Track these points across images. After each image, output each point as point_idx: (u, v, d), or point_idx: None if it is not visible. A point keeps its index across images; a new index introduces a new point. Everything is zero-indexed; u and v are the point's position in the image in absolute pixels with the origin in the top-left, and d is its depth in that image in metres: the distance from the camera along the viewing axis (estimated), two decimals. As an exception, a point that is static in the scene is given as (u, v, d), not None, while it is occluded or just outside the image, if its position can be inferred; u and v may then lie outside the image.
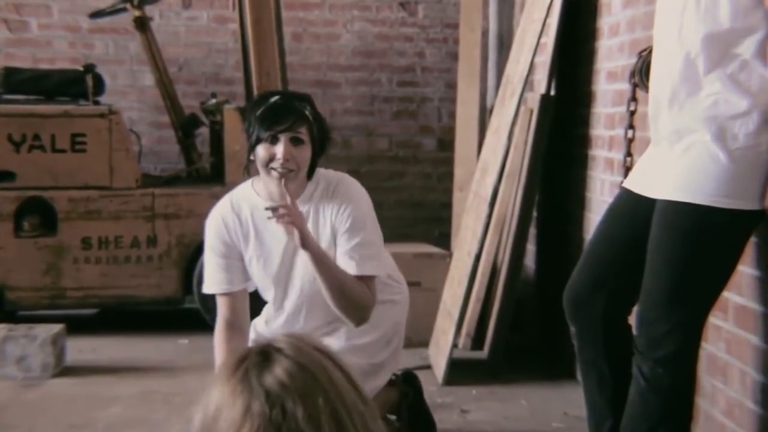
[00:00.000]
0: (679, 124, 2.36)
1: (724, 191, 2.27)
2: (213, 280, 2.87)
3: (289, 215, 2.64)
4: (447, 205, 5.51)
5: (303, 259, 2.77)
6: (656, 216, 2.35)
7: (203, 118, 5.35)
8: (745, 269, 2.53)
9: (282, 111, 2.69)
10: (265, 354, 1.16)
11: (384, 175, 6.45)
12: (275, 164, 2.69)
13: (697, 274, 2.30)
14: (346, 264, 2.76)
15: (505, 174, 4.51)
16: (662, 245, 2.33)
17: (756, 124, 2.28)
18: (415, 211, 6.44)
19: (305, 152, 2.72)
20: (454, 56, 5.82)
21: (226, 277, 2.85)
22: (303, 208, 2.78)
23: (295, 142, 2.70)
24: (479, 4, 5.08)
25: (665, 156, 2.40)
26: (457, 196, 5.10)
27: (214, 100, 5.18)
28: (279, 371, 1.13)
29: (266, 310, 3.04)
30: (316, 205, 2.80)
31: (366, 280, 2.78)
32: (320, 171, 2.86)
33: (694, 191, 2.29)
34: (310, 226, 2.78)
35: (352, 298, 2.75)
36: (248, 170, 2.84)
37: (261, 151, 2.70)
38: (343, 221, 2.76)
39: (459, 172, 5.11)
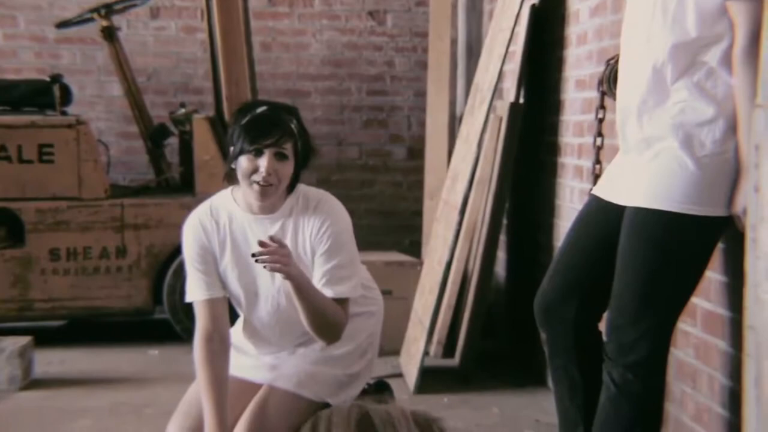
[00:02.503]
0: (648, 133, 2.38)
1: (691, 198, 2.30)
2: (193, 288, 2.84)
3: (276, 261, 2.60)
4: (417, 214, 5.52)
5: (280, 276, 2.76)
6: (625, 223, 2.37)
7: (172, 128, 5.32)
8: (713, 275, 2.55)
9: (269, 124, 2.66)
10: None
11: (354, 183, 6.46)
12: (257, 177, 2.67)
13: (666, 281, 2.32)
14: (322, 287, 2.76)
15: (475, 182, 4.53)
16: (631, 252, 2.35)
17: (722, 131, 2.31)
18: (386, 220, 6.44)
19: (288, 168, 2.70)
20: (424, 65, 5.84)
21: (207, 283, 2.82)
22: (280, 222, 2.77)
23: (279, 157, 2.67)
24: (448, 13, 5.10)
25: (634, 163, 2.42)
26: (427, 204, 5.12)
27: (183, 110, 5.16)
28: None
29: (242, 321, 3.02)
30: (295, 220, 2.79)
31: (341, 302, 2.79)
32: (301, 187, 2.84)
33: (662, 198, 2.31)
34: (288, 241, 2.77)
35: (327, 321, 2.75)
36: (228, 178, 2.81)
37: (244, 162, 2.68)
38: (322, 241, 2.75)
39: (429, 180, 5.13)
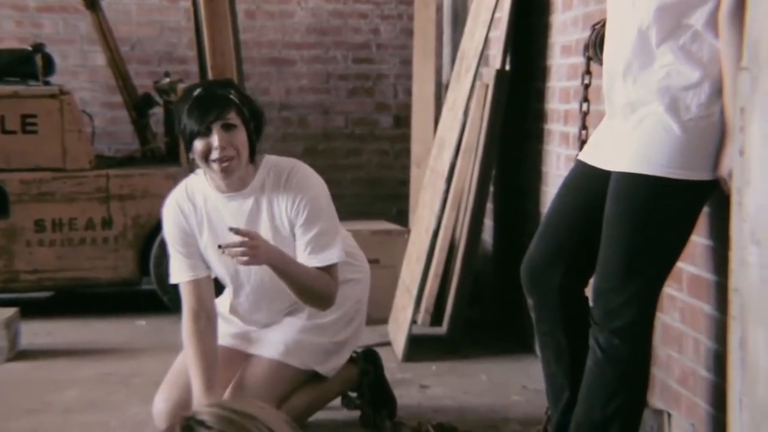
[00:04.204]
0: (633, 97, 2.37)
1: (677, 162, 2.29)
2: (177, 269, 2.85)
3: (244, 254, 2.60)
4: (404, 182, 5.51)
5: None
6: (611, 188, 2.37)
7: (157, 98, 5.29)
8: (699, 239, 2.56)
9: (207, 101, 2.68)
10: (188, 428, 1.17)
11: (341, 152, 6.44)
12: (214, 155, 2.68)
13: (652, 245, 2.32)
14: (308, 257, 2.76)
15: (462, 150, 4.51)
16: (617, 217, 2.34)
17: (707, 94, 2.30)
18: (373, 189, 6.43)
19: (240, 136, 2.71)
20: (409, 32, 5.81)
21: (189, 264, 2.83)
22: (252, 198, 2.77)
23: (228, 128, 2.69)
24: (433, -21, 5.06)
25: (619, 128, 2.41)
26: (414, 172, 5.10)
27: (167, 80, 5.13)
28: None
29: (227, 294, 3.02)
30: (269, 195, 2.78)
31: (329, 268, 2.79)
32: (271, 159, 2.84)
33: (648, 163, 2.31)
34: (263, 216, 2.77)
35: (317, 292, 2.77)
36: (192, 166, 2.82)
37: (197, 145, 2.69)
38: (299, 213, 2.76)
39: (416, 148, 5.11)
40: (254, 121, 2.76)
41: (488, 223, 4.87)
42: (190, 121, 2.66)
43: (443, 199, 4.24)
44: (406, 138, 5.68)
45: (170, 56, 6.19)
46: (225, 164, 2.68)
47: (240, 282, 2.90)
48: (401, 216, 5.59)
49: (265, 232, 2.77)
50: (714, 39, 2.28)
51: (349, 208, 5.94)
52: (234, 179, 2.73)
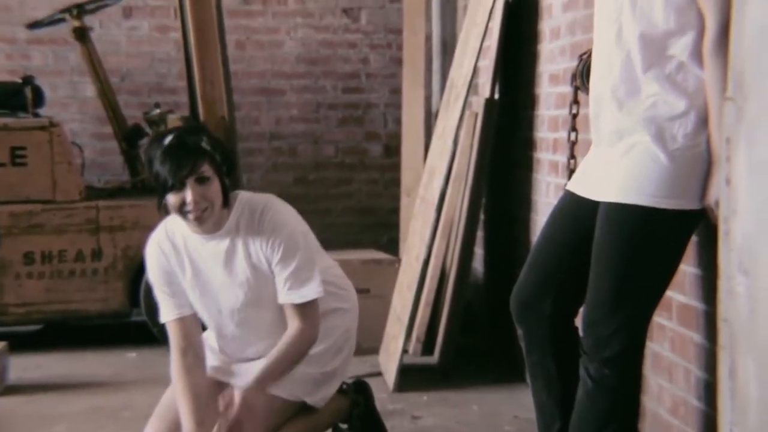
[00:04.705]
0: (620, 125, 2.38)
1: (665, 191, 2.30)
2: (164, 309, 2.87)
3: (249, 419, 2.72)
4: (395, 211, 5.51)
5: (243, 290, 2.79)
6: (599, 218, 2.37)
7: (147, 129, 5.28)
8: (687, 268, 2.56)
9: (180, 153, 2.67)
10: None
11: (331, 182, 6.44)
12: (188, 208, 2.68)
13: (641, 275, 2.33)
14: (287, 293, 2.78)
15: (452, 178, 4.52)
16: (606, 247, 2.35)
17: (694, 124, 2.31)
18: (364, 218, 6.43)
19: (214, 187, 2.71)
20: (399, 61, 5.82)
21: (174, 303, 2.85)
22: (228, 239, 2.78)
23: (201, 181, 2.68)
24: (422, 8, 5.09)
25: (607, 157, 2.42)
26: (404, 201, 5.11)
27: (157, 110, 5.13)
28: None
29: (211, 333, 3.03)
30: (244, 237, 2.79)
31: (308, 306, 2.80)
32: (245, 197, 2.83)
33: (636, 192, 2.32)
34: (240, 256, 2.79)
35: (300, 357, 2.84)
36: (165, 210, 2.81)
37: (171, 198, 2.69)
38: (274, 251, 2.77)
39: (406, 177, 5.12)
40: (226, 164, 2.76)
41: (479, 251, 4.87)
42: (163, 172, 2.65)
43: (433, 228, 4.24)
44: (396, 167, 5.68)
45: (160, 87, 6.20)
46: (199, 216, 2.69)
47: (223, 319, 2.90)
48: (392, 244, 5.59)
49: (243, 270, 2.79)
50: (699, 69, 2.29)
51: (340, 237, 5.94)
52: (208, 225, 2.75)
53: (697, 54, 2.29)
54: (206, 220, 2.72)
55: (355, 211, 6.45)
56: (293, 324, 2.80)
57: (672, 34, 2.31)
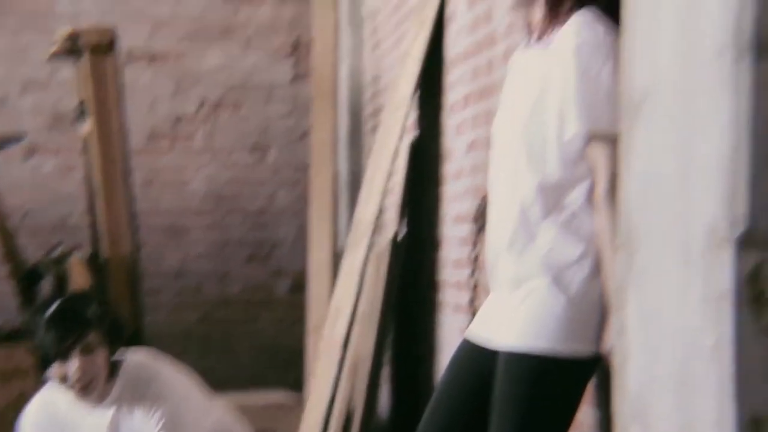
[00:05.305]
0: (518, 272, 2.40)
1: (563, 335, 2.31)
2: None
3: None
4: (301, 349, 5.44)
5: None
6: (499, 369, 2.37)
7: (46, 269, 5.16)
8: (588, 411, 2.56)
9: (66, 322, 2.61)
10: None
11: (238, 320, 6.34)
12: (72, 379, 2.61)
13: (539, 426, 2.31)
14: None
15: (358, 317, 4.50)
16: (504, 399, 2.34)
17: (590, 269, 2.35)
18: (270, 356, 6.32)
19: (99, 357, 2.64)
20: (306, 199, 5.86)
21: None
22: (111, 410, 2.70)
23: (87, 351, 2.61)
24: (329, 147, 5.16)
25: (505, 303, 2.43)
26: (311, 339, 5.05)
27: (59, 250, 5.03)
28: None
29: None
30: (128, 406, 2.70)
31: None
32: (131, 364, 2.74)
33: (535, 337, 2.32)
34: (125, 427, 2.70)
35: None
36: (47, 379, 2.73)
37: (55, 369, 2.61)
38: (156, 424, 2.68)
39: (313, 315, 5.08)
40: (115, 332, 2.70)
41: (385, 391, 4.82)
42: (47, 341, 2.58)
43: (339, 368, 4.19)
44: (303, 304, 5.65)
45: (63, 226, 6.09)
46: (84, 387, 2.61)
47: None
48: (299, 383, 5.49)
49: None
50: (593, 216, 2.35)
51: (246, 375, 5.81)
52: (92, 397, 2.66)
53: (591, 203, 2.35)
54: (91, 392, 2.63)
55: (262, 350, 6.34)
56: None
57: (566, 185, 2.36)
